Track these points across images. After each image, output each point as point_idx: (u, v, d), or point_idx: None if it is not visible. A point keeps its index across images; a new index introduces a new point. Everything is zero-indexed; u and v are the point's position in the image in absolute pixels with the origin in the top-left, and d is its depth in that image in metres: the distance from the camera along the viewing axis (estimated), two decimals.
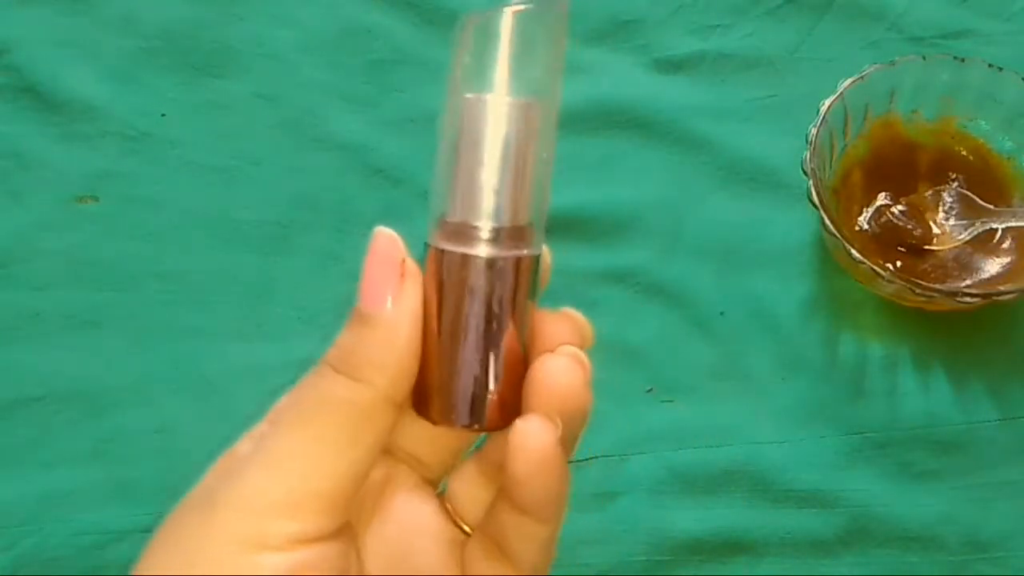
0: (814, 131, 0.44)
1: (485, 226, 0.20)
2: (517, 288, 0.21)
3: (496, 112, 0.20)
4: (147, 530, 0.44)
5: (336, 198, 0.51)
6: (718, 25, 0.55)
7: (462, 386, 0.22)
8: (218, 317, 0.48)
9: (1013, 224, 0.45)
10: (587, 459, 0.45)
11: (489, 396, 0.22)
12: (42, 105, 0.53)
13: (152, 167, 0.52)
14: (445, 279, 0.21)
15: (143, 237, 0.50)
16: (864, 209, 0.47)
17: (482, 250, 0.20)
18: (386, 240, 0.24)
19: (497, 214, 0.20)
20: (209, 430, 0.46)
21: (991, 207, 0.46)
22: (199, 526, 0.23)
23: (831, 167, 0.46)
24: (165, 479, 0.46)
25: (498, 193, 0.20)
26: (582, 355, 0.25)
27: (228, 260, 0.50)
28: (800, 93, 0.53)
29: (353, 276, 0.54)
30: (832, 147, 0.46)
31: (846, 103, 0.45)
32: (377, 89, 0.54)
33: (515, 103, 0.20)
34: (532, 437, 0.22)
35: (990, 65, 0.45)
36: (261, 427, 0.25)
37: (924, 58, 0.46)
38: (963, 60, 0.46)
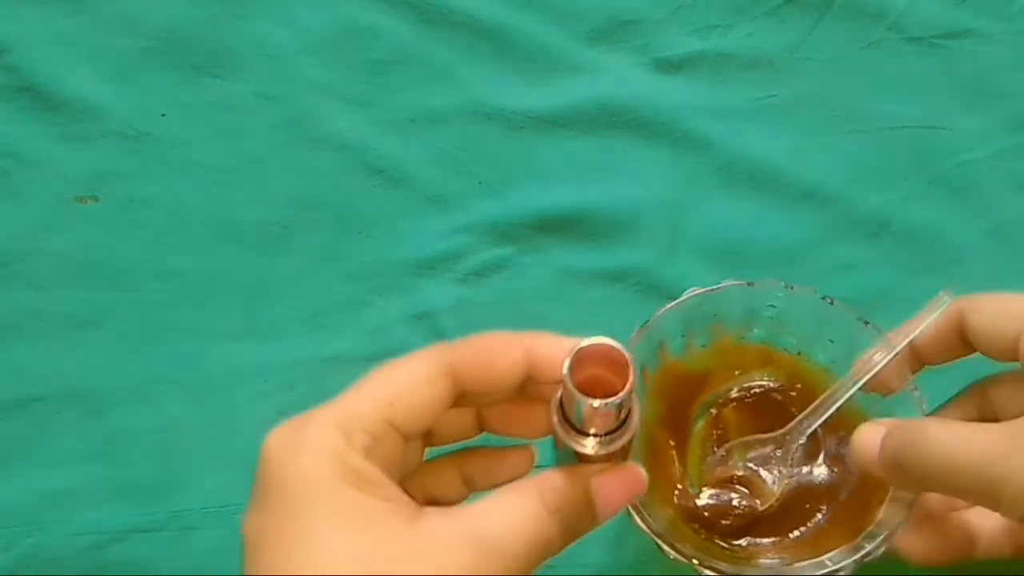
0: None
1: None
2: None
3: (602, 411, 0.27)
4: (147, 530, 0.44)
5: (336, 198, 0.51)
6: (718, 25, 0.55)
7: None
8: (218, 317, 0.48)
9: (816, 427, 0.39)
10: None
11: None
12: (42, 105, 0.53)
13: (152, 167, 0.52)
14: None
15: (143, 237, 0.50)
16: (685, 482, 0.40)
17: (581, 447, 0.29)
18: (642, 484, 0.30)
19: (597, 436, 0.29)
20: (209, 430, 0.47)
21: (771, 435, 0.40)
22: None
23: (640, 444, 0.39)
24: (166, 478, 0.46)
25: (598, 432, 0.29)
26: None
27: (228, 260, 0.50)
28: (800, 93, 0.53)
29: (353, 276, 0.54)
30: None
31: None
32: (377, 89, 0.54)
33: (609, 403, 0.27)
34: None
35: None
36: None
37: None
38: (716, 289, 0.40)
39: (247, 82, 0.54)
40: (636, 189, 0.51)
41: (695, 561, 0.35)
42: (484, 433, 0.32)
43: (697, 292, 0.40)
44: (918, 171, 0.51)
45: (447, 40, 0.55)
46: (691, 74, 0.54)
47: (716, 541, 0.38)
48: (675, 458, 0.40)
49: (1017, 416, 0.30)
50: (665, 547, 0.35)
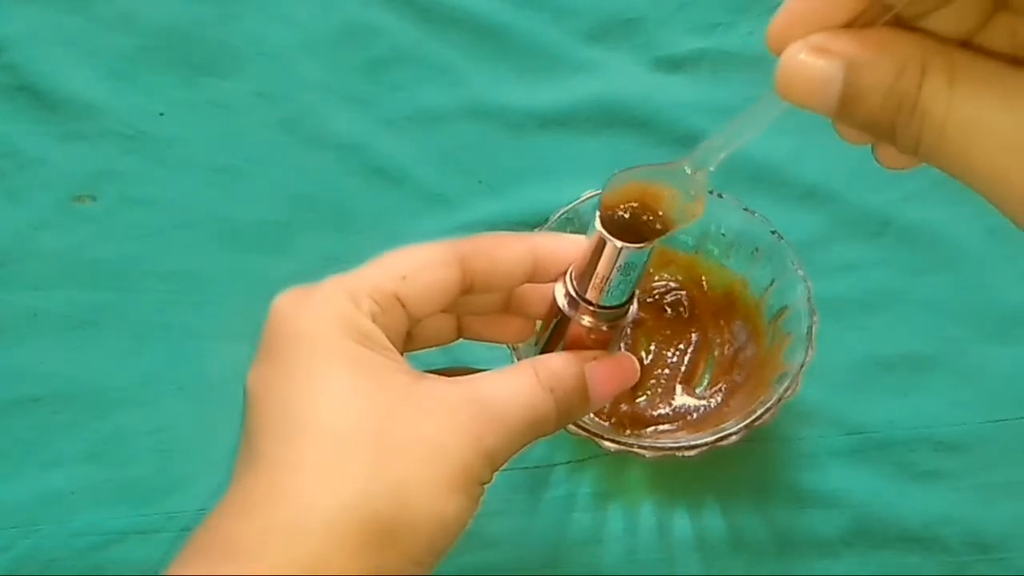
0: None
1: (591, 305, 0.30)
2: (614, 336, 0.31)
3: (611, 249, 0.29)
4: (146, 531, 0.44)
5: (336, 198, 0.51)
6: (719, 23, 0.55)
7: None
8: (218, 317, 0.48)
9: None
10: (587, 458, 0.45)
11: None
12: (41, 104, 0.53)
13: (151, 167, 0.52)
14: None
15: (142, 237, 0.50)
16: None
17: (586, 321, 0.30)
18: (634, 372, 0.32)
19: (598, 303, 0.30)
20: (209, 430, 0.47)
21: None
22: None
23: None
24: (165, 479, 0.46)
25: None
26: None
27: (228, 260, 0.50)
28: None
29: None
30: None
31: None
32: (377, 88, 0.54)
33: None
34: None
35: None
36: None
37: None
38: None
39: (246, 81, 0.54)
40: None
41: (590, 431, 0.38)
42: (460, 340, 0.34)
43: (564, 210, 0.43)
44: (919, 170, 0.50)
45: (447, 39, 0.55)
46: (692, 73, 0.54)
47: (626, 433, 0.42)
48: None
49: None
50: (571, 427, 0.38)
